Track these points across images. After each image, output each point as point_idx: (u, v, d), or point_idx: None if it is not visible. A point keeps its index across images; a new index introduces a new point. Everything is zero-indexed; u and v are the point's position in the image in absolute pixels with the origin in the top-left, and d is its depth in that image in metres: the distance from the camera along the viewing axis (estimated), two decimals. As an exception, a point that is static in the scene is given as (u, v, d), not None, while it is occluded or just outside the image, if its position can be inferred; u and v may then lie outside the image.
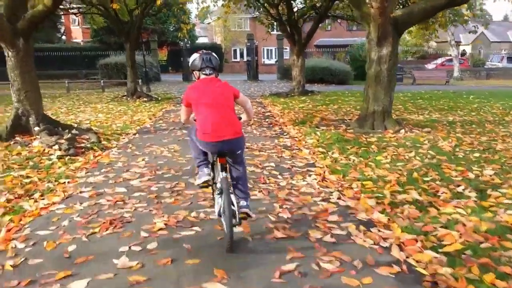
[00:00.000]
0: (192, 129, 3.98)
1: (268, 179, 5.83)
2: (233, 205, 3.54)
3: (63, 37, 48.95)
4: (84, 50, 35.45)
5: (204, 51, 3.92)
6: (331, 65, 26.74)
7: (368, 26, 9.16)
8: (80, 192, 5.40)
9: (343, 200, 4.95)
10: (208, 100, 3.61)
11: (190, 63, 3.86)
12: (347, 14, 19.08)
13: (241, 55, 45.90)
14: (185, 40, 28.76)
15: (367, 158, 6.93)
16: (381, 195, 5.05)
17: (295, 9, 18.22)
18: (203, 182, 3.98)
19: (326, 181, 5.72)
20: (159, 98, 17.96)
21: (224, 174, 3.64)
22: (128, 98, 17.44)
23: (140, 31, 21.98)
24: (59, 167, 6.63)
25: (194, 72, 3.86)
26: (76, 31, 48.74)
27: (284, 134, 9.53)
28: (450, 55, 43.78)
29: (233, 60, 45.69)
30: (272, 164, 6.71)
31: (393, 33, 9.02)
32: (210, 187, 4.15)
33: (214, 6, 18.40)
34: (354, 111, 13.07)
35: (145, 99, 17.25)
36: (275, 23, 20.03)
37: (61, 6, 26.73)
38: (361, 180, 5.69)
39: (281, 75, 30.23)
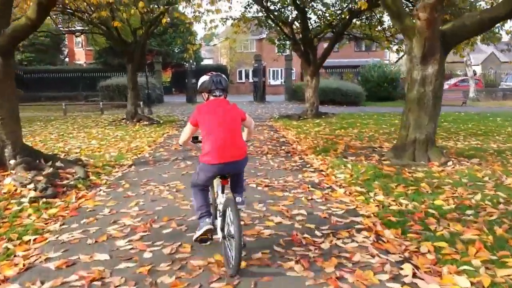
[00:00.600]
0: (193, 177, 3.92)
1: (303, 238, 4.29)
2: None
3: (66, 59, 48.15)
4: (85, 71, 34.27)
5: (214, 73, 3.89)
6: (342, 86, 25.36)
7: (410, 41, 7.72)
8: (46, 259, 3.87)
9: (420, 279, 3.38)
10: (218, 122, 3.60)
11: (199, 85, 3.84)
12: (365, 33, 17.74)
13: (247, 76, 44.77)
14: (190, 61, 27.53)
15: (423, 202, 5.38)
16: (471, 269, 3.49)
17: (310, 28, 16.88)
18: (204, 232, 3.79)
19: (383, 241, 4.17)
20: (161, 121, 16.54)
21: (227, 195, 3.72)
22: (128, 122, 16.01)
23: (144, 52, 20.82)
24: (29, 216, 5.11)
25: (203, 94, 3.85)
26: (79, 53, 47.89)
27: (307, 166, 8.00)
28: (461, 75, 42.64)
29: (238, 81, 44.52)
30: (303, 211, 5.17)
31: (441, 49, 7.58)
32: (209, 241, 3.96)
33: (223, 25, 17.10)
34: (379, 136, 11.57)
35: (145, 122, 15.81)
36: (287, 43, 18.64)
37: (62, 28, 25.88)
38: (430, 240, 4.13)
39: (289, 96, 28.88)
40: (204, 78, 3.82)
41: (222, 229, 3.64)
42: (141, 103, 21.02)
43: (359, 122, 15.28)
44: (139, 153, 9.60)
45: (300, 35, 16.63)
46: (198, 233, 3.85)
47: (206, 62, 48.65)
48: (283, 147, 10.15)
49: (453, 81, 33.82)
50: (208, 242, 3.94)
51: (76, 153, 9.56)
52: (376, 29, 17.28)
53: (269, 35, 18.59)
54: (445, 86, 32.08)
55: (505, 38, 19.01)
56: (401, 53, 18.84)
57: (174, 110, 23.23)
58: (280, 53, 19.63)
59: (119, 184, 6.74)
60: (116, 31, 16.28)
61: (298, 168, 7.81)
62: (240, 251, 3.28)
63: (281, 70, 43.69)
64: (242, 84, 43.38)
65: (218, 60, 46.81)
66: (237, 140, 3.67)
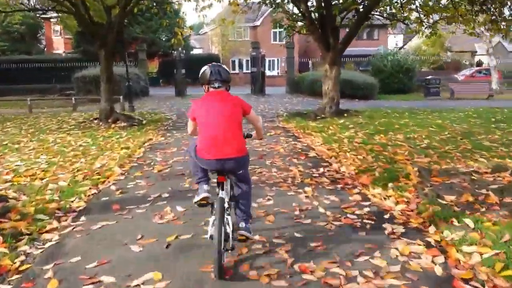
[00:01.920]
0: (191, 147, 3.62)
1: None
2: (228, 227, 3.27)
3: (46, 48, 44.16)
4: (61, 61, 30.41)
5: (214, 63, 3.65)
6: (353, 77, 21.99)
7: None
8: None
9: None
10: (213, 115, 3.36)
11: (199, 76, 3.55)
12: (392, 14, 14.36)
13: (240, 66, 41.18)
14: (179, 49, 23.91)
15: None
16: None
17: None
18: (201, 199, 3.58)
19: None
20: (144, 121, 13.05)
21: (221, 193, 3.40)
22: (101, 123, 12.48)
23: (121, 35, 17.32)
24: None
25: (203, 86, 3.56)
26: (58, 41, 43.88)
27: (387, 217, 4.58)
28: (468, 66, 39.62)
29: (231, 71, 40.88)
30: None
31: None
32: (210, 206, 3.58)
33: (219, 1, 13.53)
34: (444, 147, 8.25)
35: (123, 124, 12.30)
36: (297, 25, 15.11)
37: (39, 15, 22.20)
38: None
39: (290, 88, 25.45)
40: (203, 69, 3.54)
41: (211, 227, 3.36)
42: (121, 97, 17.53)
43: (395, 123, 11.94)
44: (102, 182, 6.16)
45: (316, 14, 13.16)
46: (196, 198, 3.62)
47: (196, 51, 44.89)
48: (320, 169, 6.74)
49: (467, 71, 30.57)
50: (208, 207, 3.61)
51: (6, 181, 6.09)
52: (407, 7, 13.91)
53: (274, 16, 15.03)
54: (460, 78, 28.99)
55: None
56: (433, 37, 15.58)
57: (161, 105, 19.69)
58: (289, 38, 15.91)
59: (42, 274, 3.32)
60: (85, 9, 12.76)
61: (373, 223, 4.41)
62: (220, 255, 3.10)
63: (278, 60, 40.22)
64: (236, 75, 39.67)
65: (209, 49, 43.09)
66: (233, 134, 3.37)
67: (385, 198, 5.15)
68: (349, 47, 42.12)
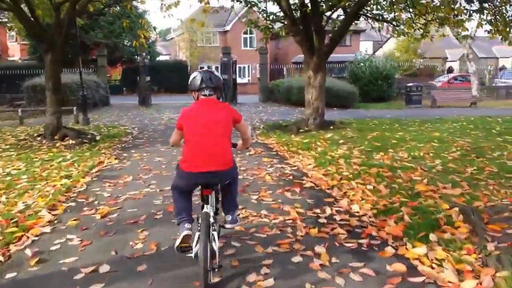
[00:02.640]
0: (175, 180, 3.36)
1: None
2: (215, 244, 3.04)
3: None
4: (11, 68, 27.68)
5: (205, 69, 3.55)
6: (331, 84, 20.43)
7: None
8: None
9: None
10: (201, 125, 3.13)
11: (189, 82, 3.31)
12: (379, 15, 12.86)
13: (209, 74, 39.21)
14: (143, 54, 21.82)
15: None
16: None
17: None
18: (182, 239, 3.16)
19: None
20: (97, 138, 11.00)
21: (206, 207, 3.15)
22: (44, 141, 10.39)
23: (74, 38, 15.38)
24: None
25: (193, 93, 3.30)
26: (14, 47, 40.83)
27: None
28: (440, 72, 39.02)
29: (199, 79, 38.87)
30: None
31: None
32: (191, 251, 3.18)
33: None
34: (465, 169, 6.69)
35: (72, 141, 10.24)
36: (275, 26, 13.32)
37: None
38: None
39: (264, 97, 23.72)
40: (193, 75, 3.29)
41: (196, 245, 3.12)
42: (75, 108, 15.38)
43: (389, 137, 10.38)
44: (18, 239, 4.20)
45: (299, 12, 11.48)
46: (177, 241, 3.21)
47: (163, 58, 42.67)
48: (325, 209, 4.94)
49: (443, 78, 29.67)
50: (191, 253, 3.17)
51: None
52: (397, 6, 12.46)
53: (248, 17, 13.25)
54: (438, 84, 28.04)
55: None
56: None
57: (122, 116, 17.58)
58: (265, 41, 14.14)
59: None
60: (28, 6, 10.75)
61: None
62: (205, 274, 2.88)
63: (248, 66, 38.58)
64: (204, 82, 37.78)
65: (177, 55, 40.97)
66: (222, 146, 3.16)
67: (438, 265, 3.43)
68: None
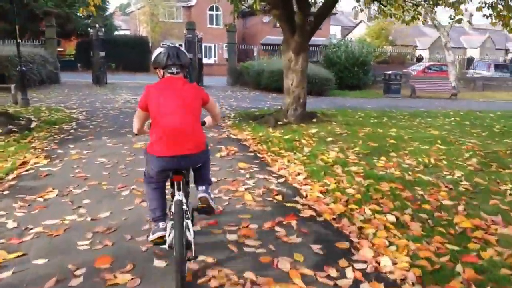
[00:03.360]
0: (147, 170, 3.04)
1: None
2: (189, 232, 2.83)
3: None
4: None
5: (170, 44, 3.06)
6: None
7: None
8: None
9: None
10: (169, 105, 2.82)
11: (152, 59, 3.00)
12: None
13: (173, 52, 36.72)
14: (97, 26, 19.28)
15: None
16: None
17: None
18: (157, 238, 2.99)
19: None
20: (32, 125, 8.87)
21: (178, 194, 2.86)
22: (-41, 128, 8.16)
23: (17, 6, 13.07)
24: None
25: (157, 70, 3.01)
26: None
27: None
28: (411, 62, 38.14)
29: (162, 57, 36.32)
30: None
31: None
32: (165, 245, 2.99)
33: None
34: (498, 187, 5.18)
35: (-4, 130, 8.09)
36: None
37: None
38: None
39: (232, 79, 21.74)
40: (157, 51, 2.98)
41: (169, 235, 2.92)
42: (13, 87, 12.98)
43: (383, 134, 8.80)
44: None
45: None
46: (152, 236, 3.03)
47: (123, 33, 39.64)
48: (343, 265, 3.23)
49: (417, 67, 28.55)
50: (165, 246, 3.00)
51: None
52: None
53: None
54: (413, 73, 26.90)
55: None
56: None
57: (70, 96, 15.25)
58: (235, 16, 12.20)
59: None
60: None
61: None
62: (181, 265, 2.66)
63: (214, 46, 36.34)
64: (167, 61, 35.28)
65: (137, 30, 38.09)
66: (193, 128, 2.88)
67: None
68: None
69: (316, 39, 37.86)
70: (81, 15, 28.94)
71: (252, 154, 7.00)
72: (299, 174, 5.76)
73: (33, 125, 8.94)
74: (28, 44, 19.23)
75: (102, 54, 19.85)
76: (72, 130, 8.76)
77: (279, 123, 9.71)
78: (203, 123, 3.22)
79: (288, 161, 6.45)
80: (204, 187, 3.19)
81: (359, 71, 20.71)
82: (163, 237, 2.99)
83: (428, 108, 14.90)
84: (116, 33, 33.53)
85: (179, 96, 2.86)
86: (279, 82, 18.55)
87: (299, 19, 9.24)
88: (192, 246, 2.83)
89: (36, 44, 19.70)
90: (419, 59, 41.34)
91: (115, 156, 6.51)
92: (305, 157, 6.67)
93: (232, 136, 8.59)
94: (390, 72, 19.63)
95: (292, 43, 9.70)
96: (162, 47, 3.00)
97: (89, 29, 19.60)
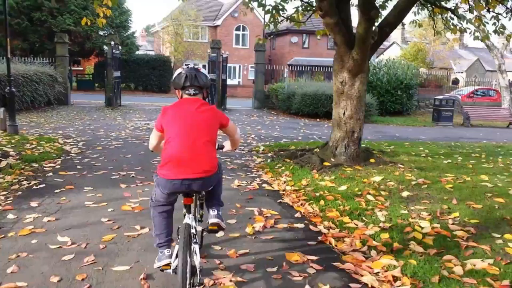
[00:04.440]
0: (154, 194, 2.94)
1: None
2: (196, 258, 2.67)
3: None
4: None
5: (190, 65, 3.00)
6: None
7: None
8: None
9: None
10: (183, 126, 2.75)
11: (172, 79, 2.98)
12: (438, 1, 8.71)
13: (196, 73, 34.80)
14: (112, 43, 17.29)
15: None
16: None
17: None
18: (164, 265, 2.89)
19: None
20: (6, 161, 6.58)
21: (188, 217, 2.77)
22: None
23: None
24: None
25: (177, 91, 2.97)
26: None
27: None
28: (452, 83, 35.30)
29: (184, 78, 34.40)
30: None
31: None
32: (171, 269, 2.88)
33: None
34: None
35: None
36: (283, 7, 8.89)
37: None
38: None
39: (259, 102, 19.38)
40: (177, 72, 2.94)
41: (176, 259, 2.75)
42: (2, 110, 10.87)
43: (481, 188, 6.15)
44: None
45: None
46: (157, 264, 2.95)
47: (146, 53, 38.03)
48: None
49: (461, 91, 25.69)
50: (169, 270, 2.89)
51: None
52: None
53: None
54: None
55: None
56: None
57: (74, 121, 13.09)
58: (268, 28, 9.84)
59: None
60: None
61: None
62: None
63: (239, 66, 34.28)
64: (189, 82, 33.30)
65: (160, 50, 36.39)
66: (206, 151, 2.76)
67: None
68: (321, 57, 36.18)
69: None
70: (102, 33, 27.38)
71: (302, 225, 4.48)
72: (396, 280, 3.22)
73: (3, 164, 6.66)
74: (36, 62, 17.31)
75: (117, 74, 17.83)
76: (50, 174, 6.42)
77: (324, 163, 7.20)
78: (221, 147, 3.17)
79: (363, 242, 3.93)
80: (215, 211, 3.09)
81: (403, 95, 18.08)
82: (169, 264, 2.86)
83: (493, 139, 12.22)
84: (138, 53, 31.80)
85: (194, 117, 2.76)
86: (311, 107, 16.24)
87: (362, 29, 6.78)
88: (198, 272, 2.64)
89: (44, 62, 17.78)
90: (455, 82, 38.45)
91: (86, 230, 4.10)
92: (386, 233, 4.14)
93: (265, 185, 6.10)
94: (441, 97, 17.03)
95: (347, 60, 7.22)
96: (182, 67, 2.93)
97: (104, 46, 17.62)
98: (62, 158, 7.68)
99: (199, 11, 31.06)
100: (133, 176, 6.32)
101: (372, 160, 7.47)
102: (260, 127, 13.35)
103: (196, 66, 2.97)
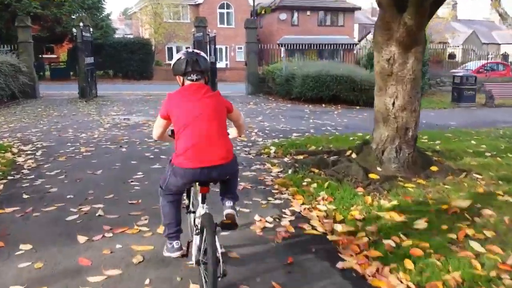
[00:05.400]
0: (163, 182, 2.83)
1: None
2: (218, 247, 2.49)
3: None
4: None
5: (190, 50, 2.97)
6: (351, 72, 14.25)
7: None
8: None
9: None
10: (194, 113, 2.65)
11: (172, 65, 2.83)
12: None
13: (179, 56, 32.28)
14: (81, 25, 14.74)
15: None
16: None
17: None
18: (178, 256, 2.90)
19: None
20: None
21: (204, 207, 2.72)
22: None
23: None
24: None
25: (177, 77, 2.83)
26: None
27: None
28: (448, 58, 33.46)
29: (167, 62, 31.79)
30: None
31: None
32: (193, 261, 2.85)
33: None
34: None
35: None
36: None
37: None
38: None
39: (254, 87, 17.12)
40: (177, 57, 2.80)
41: (199, 250, 2.69)
42: None
43: None
44: None
45: None
46: (166, 254, 2.95)
47: (123, 36, 35.18)
48: None
49: (473, 65, 23.74)
50: (191, 262, 2.90)
51: None
52: None
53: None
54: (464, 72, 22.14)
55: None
56: None
57: (40, 119, 10.82)
58: (266, 10, 7.68)
59: None
60: None
61: None
62: (215, 282, 2.39)
63: (225, 48, 31.85)
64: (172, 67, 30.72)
65: (139, 33, 33.60)
66: (220, 137, 2.70)
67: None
68: (311, 34, 33.28)
69: (336, 37, 33.22)
70: (74, 17, 24.64)
71: None
72: None
73: None
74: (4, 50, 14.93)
75: (90, 60, 15.40)
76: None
77: (371, 175, 5.14)
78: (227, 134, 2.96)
79: None
80: (231, 203, 2.95)
81: (415, 73, 16.03)
82: (179, 256, 2.88)
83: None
84: (115, 36, 29.06)
85: (201, 104, 2.68)
86: (315, 91, 14.11)
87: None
88: (221, 262, 2.45)
89: (4, 50, 15.31)
90: (451, 57, 36.67)
91: None
92: None
93: (302, 223, 4.00)
94: (460, 73, 15.01)
95: (397, 28, 5.10)
96: (182, 52, 2.80)
97: (73, 29, 15.14)
98: (9, 178, 5.53)
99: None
100: (99, 215, 4.18)
101: (433, 168, 5.42)
102: (261, 118, 11.19)
103: (196, 51, 2.86)
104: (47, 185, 5.24)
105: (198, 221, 2.75)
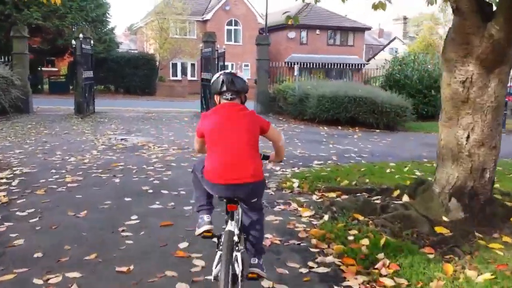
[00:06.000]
0: (199, 163, 2.86)
1: None
2: (237, 266, 2.56)
3: None
4: None
5: (227, 70, 3.11)
6: (371, 93, 13.06)
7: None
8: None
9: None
10: (225, 132, 2.65)
11: (211, 84, 2.86)
12: None
13: (184, 72, 31.29)
14: (81, 36, 13.62)
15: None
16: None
17: None
18: (204, 231, 2.82)
19: None
20: None
21: (231, 224, 2.67)
22: None
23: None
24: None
25: (215, 96, 2.84)
26: None
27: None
28: None
29: (171, 78, 30.73)
30: None
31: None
32: (216, 238, 2.77)
33: None
34: None
35: None
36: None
37: None
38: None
39: (263, 106, 15.89)
40: (215, 77, 2.80)
41: (216, 266, 2.62)
42: None
43: None
44: None
45: None
46: (198, 231, 2.88)
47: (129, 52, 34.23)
48: None
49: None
50: (213, 239, 2.85)
51: None
52: None
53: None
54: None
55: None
56: None
57: (27, 137, 9.62)
58: (295, 20, 6.48)
59: None
60: None
61: None
62: None
63: (232, 65, 30.80)
64: (177, 82, 29.59)
65: (144, 48, 32.64)
66: (248, 157, 2.62)
67: None
68: (320, 53, 31.95)
69: (345, 57, 32.15)
70: (74, 27, 23.65)
71: None
72: None
73: None
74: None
75: (89, 74, 14.26)
76: None
77: (437, 229, 3.85)
78: (266, 157, 2.98)
79: None
80: (256, 260, 2.74)
81: (437, 95, 14.86)
82: (210, 231, 2.81)
83: None
84: (119, 50, 28.07)
85: (235, 123, 2.65)
86: (331, 112, 12.90)
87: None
88: (239, 280, 2.51)
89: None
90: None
91: None
92: None
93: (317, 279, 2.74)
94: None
95: (478, 42, 3.88)
96: (220, 72, 2.80)
97: (73, 41, 14.02)
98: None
99: (186, 4, 27.52)
100: (73, 294, 2.90)
101: (508, 225, 4.13)
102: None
103: (233, 71, 2.86)
104: (13, 233, 3.98)
105: (222, 238, 2.64)
